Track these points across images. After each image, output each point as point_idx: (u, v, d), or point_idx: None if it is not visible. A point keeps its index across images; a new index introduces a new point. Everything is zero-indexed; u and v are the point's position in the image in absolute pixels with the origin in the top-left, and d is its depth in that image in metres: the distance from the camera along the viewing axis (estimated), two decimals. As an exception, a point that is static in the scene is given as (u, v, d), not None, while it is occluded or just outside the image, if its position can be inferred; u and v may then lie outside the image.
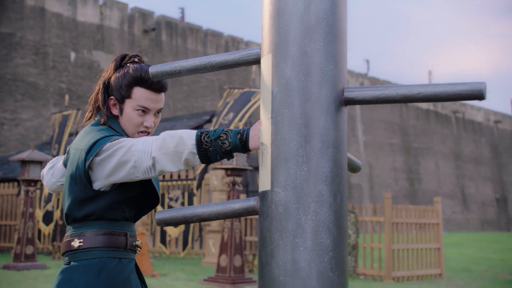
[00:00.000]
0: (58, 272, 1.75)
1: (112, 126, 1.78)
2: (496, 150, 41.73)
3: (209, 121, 14.99)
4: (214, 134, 1.55)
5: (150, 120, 1.80)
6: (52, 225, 12.53)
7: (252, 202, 1.41)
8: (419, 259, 9.55)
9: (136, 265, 1.82)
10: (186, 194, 11.42)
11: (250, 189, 14.75)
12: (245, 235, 11.21)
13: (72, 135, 15.20)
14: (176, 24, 26.75)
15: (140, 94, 1.77)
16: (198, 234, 12.43)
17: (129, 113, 1.78)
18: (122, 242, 1.74)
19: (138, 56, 1.89)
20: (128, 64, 1.83)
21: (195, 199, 11.49)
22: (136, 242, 1.79)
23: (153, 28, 25.31)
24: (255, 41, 31.49)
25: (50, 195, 12.24)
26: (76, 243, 1.72)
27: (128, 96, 1.77)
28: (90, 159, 1.65)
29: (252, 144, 1.53)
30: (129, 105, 1.78)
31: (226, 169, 7.92)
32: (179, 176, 11.35)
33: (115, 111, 1.80)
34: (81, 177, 1.69)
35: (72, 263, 1.72)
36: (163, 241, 11.62)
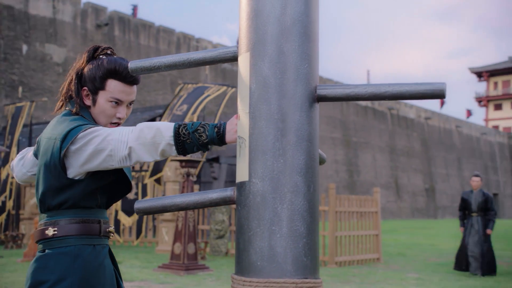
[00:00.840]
0: (33, 260, 1.70)
1: (84, 116, 1.74)
2: (426, 144, 43.32)
3: (162, 114, 14.82)
4: (192, 127, 1.54)
5: (122, 112, 1.77)
6: (4, 215, 12.07)
7: (229, 192, 1.42)
8: (360, 245, 9.82)
9: (110, 250, 1.79)
10: (140, 185, 11.26)
11: (202, 180, 14.69)
12: (198, 224, 11.18)
13: (27, 126, 14.64)
14: (129, 20, 26.19)
15: (114, 86, 1.74)
16: (152, 223, 12.28)
17: (103, 105, 1.74)
18: (96, 229, 1.71)
19: (111, 48, 1.85)
20: (101, 56, 1.79)
21: (148, 190, 11.34)
22: (109, 229, 1.76)
23: (106, 23, 24.68)
24: (206, 38, 31.29)
25: (3, 186, 11.78)
26: (50, 232, 1.67)
27: (102, 87, 1.74)
28: (66, 148, 1.61)
29: (228, 137, 1.54)
30: (102, 96, 1.74)
31: (181, 161, 7.86)
32: (133, 167, 11.17)
33: (88, 102, 1.76)
34: (55, 166, 1.64)
35: (46, 251, 1.67)
36: (117, 230, 11.42)
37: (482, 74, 63.00)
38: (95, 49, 1.82)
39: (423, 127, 43.58)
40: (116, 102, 1.75)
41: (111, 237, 1.79)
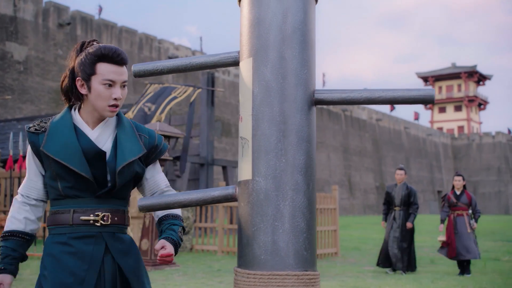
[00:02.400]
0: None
1: (81, 106, 1.77)
2: (377, 144, 44.38)
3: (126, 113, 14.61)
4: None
5: (117, 92, 1.75)
6: None
7: (231, 190, 1.45)
8: (319, 240, 9.98)
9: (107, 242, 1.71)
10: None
11: (169, 178, 14.57)
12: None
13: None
14: (91, 19, 25.62)
15: (104, 68, 1.73)
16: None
17: (97, 88, 1.73)
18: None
19: (96, 40, 1.85)
20: (87, 48, 1.79)
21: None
22: (83, 217, 1.70)
23: (68, 23, 24.05)
24: (167, 39, 30.94)
25: None
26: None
27: (93, 72, 1.73)
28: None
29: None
30: (95, 80, 1.73)
31: (149, 160, 7.78)
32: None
33: (84, 91, 1.75)
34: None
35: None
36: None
37: (428, 79, 65.10)
38: (82, 44, 1.83)
39: (375, 128, 44.62)
40: (109, 84, 1.74)
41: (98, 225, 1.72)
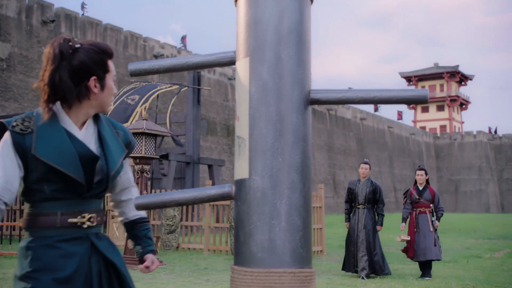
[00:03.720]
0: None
1: (71, 106, 1.68)
2: (361, 143, 44.69)
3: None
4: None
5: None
6: None
7: (227, 188, 1.45)
8: (305, 238, 10.04)
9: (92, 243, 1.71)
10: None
11: (154, 176, 14.49)
12: (149, 219, 11.03)
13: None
14: (76, 17, 25.36)
15: (111, 65, 1.76)
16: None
17: (110, 85, 1.73)
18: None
19: (71, 36, 1.76)
20: (81, 45, 1.69)
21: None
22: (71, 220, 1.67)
23: (52, 20, 23.77)
24: (152, 37, 30.73)
25: None
26: None
27: (107, 70, 1.73)
28: None
29: None
30: (109, 78, 1.73)
31: (135, 157, 7.74)
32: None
33: (96, 90, 1.69)
34: None
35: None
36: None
37: (411, 78, 65.74)
38: (69, 40, 1.71)
39: (359, 127, 44.92)
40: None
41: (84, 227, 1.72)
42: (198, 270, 7.59)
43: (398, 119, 57.36)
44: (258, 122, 1.38)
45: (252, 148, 1.38)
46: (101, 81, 1.69)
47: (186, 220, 10.81)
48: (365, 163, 7.48)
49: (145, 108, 9.16)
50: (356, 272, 7.05)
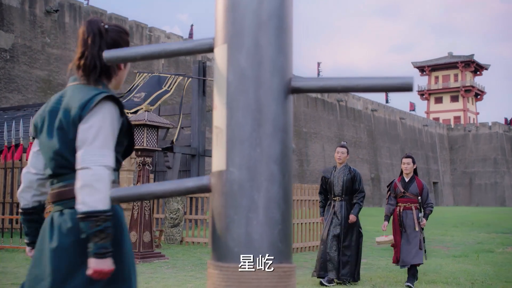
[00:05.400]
0: (60, 218, 1.77)
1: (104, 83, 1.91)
2: (372, 135, 44.48)
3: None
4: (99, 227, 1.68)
5: None
6: None
7: (205, 180, 1.43)
8: (312, 232, 10.01)
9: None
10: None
11: (156, 169, 14.53)
12: (153, 212, 11.07)
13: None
14: (80, 6, 25.39)
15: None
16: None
17: (128, 65, 1.96)
18: None
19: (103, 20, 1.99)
20: (108, 25, 1.92)
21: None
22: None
23: (56, 10, 23.82)
24: (159, 27, 30.72)
25: None
26: None
27: None
28: None
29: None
30: None
31: (137, 150, 7.75)
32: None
33: (122, 67, 1.94)
34: None
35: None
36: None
37: (424, 68, 65.20)
38: (101, 21, 1.94)
39: (370, 118, 44.70)
40: None
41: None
42: (200, 265, 7.60)
43: (411, 110, 57.00)
44: (235, 111, 1.35)
45: (230, 139, 1.35)
46: None
47: (190, 213, 10.83)
48: (342, 146, 6.43)
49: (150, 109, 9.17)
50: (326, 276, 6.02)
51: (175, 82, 9.49)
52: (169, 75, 9.77)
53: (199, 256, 8.58)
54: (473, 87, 64.57)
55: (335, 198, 6.19)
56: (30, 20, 22.92)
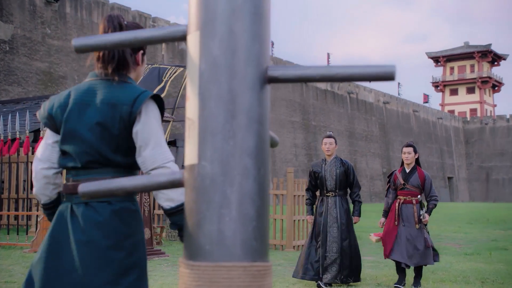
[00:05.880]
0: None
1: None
2: (384, 128, 44.29)
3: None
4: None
5: None
6: None
7: (179, 175, 1.41)
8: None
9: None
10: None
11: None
12: (153, 208, 11.09)
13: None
14: (81, -4, 25.42)
15: None
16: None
17: (145, 60, 2.10)
18: None
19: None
20: (126, 22, 2.03)
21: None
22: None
23: (56, 0, 23.86)
24: (163, 17, 30.72)
25: None
26: None
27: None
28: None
29: None
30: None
31: (135, 144, 7.76)
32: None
33: (140, 62, 2.06)
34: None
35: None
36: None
37: (439, 59, 64.74)
38: (121, 16, 2.05)
39: (382, 111, 44.49)
40: None
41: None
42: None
43: (424, 103, 56.66)
44: (208, 102, 1.33)
45: (201, 131, 1.33)
46: (143, 55, 2.04)
47: (193, 209, 10.83)
48: (329, 136, 6.01)
49: None
50: (313, 279, 5.74)
51: (173, 74, 9.47)
52: (169, 67, 9.75)
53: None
54: (490, 78, 64.03)
55: (328, 194, 5.83)
56: (30, 11, 22.99)
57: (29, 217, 10.13)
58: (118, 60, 1.93)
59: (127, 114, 1.84)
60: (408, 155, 5.86)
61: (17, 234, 8.67)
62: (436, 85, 65.37)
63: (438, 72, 70.50)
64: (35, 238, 7.77)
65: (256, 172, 1.33)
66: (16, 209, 10.60)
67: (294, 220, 9.52)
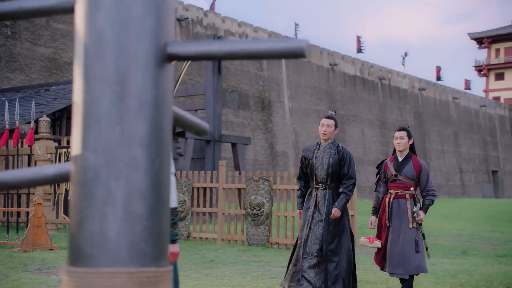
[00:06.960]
0: None
1: None
2: (420, 117, 43.63)
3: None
4: None
5: None
6: None
7: (67, 167, 1.34)
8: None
9: None
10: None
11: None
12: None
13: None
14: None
15: None
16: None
17: None
18: None
19: None
20: None
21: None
22: None
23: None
24: (176, -2, 30.70)
25: None
26: None
27: None
28: None
29: None
30: None
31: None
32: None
33: None
34: None
35: None
36: (66, 212, 11.32)
37: (483, 40, 63.33)
38: None
39: (417, 99, 43.82)
40: None
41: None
42: (202, 263, 7.59)
43: (466, 89, 55.60)
44: (92, 83, 1.25)
45: (86, 116, 1.25)
46: None
47: (198, 206, 10.83)
48: (329, 117, 5.36)
49: None
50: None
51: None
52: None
53: (203, 254, 8.57)
54: (540, 61, 62.42)
55: (317, 186, 5.19)
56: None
57: (28, 213, 10.25)
58: None
59: None
60: (400, 141, 5.34)
61: (7, 232, 8.77)
62: (479, 69, 64.06)
63: (481, 55, 68.86)
64: (25, 237, 7.83)
65: (149, 164, 1.24)
66: (6, 205, 10.74)
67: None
